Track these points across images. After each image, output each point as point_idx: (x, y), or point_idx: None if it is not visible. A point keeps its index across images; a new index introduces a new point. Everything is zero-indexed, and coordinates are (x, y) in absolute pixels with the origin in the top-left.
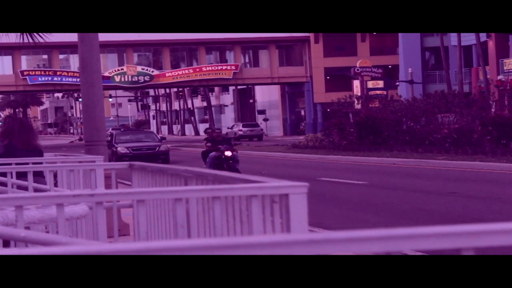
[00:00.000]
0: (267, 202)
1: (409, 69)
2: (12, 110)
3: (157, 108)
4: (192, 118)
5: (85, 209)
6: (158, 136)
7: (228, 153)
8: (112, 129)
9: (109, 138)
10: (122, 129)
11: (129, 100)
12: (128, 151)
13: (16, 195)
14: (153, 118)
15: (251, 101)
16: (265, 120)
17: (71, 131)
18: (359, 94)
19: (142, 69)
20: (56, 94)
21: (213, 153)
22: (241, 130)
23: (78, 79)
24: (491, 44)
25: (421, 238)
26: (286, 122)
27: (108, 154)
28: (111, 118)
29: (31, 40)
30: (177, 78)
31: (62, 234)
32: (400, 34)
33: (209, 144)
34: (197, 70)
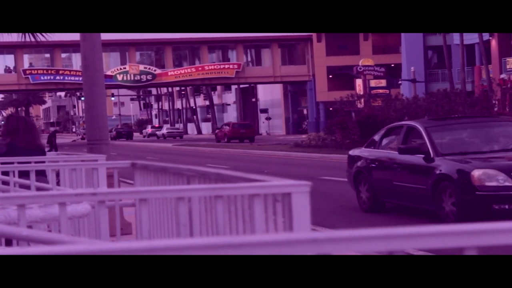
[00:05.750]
0: (269, 201)
1: (412, 68)
2: (14, 109)
3: (159, 107)
4: (195, 117)
5: (88, 208)
6: None
7: None
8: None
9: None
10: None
11: (132, 99)
12: None
13: (19, 194)
14: (156, 117)
15: (253, 100)
16: (268, 119)
17: (74, 130)
18: (361, 93)
19: (145, 68)
20: (58, 93)
21: None
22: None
23: (80, 78)
24: (493, 43)
25: (424, 237)
26: (289, 121)
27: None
28: (114, 117)
29: (33, 39)
30: (179, 77)
31: (64, 233)
32: (402, 33)
33: None
34: (200, 69)
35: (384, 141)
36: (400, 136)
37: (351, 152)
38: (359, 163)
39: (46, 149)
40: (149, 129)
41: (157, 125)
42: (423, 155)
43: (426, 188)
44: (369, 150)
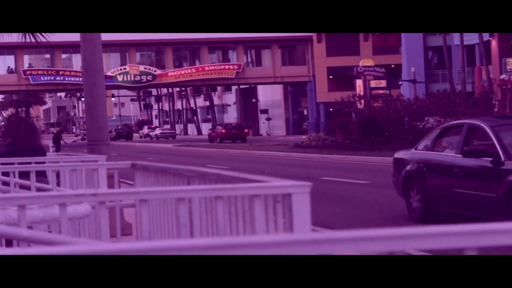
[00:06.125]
0: (270, 202)
1: (412, 68)
2: (14, 110)
3: (160, 108)
4: (195, 117)
5: (88, 208)
6: None
7: None
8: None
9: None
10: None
11: (132, 100)
12: None
13: (19, 194)
14: (156, 118)
15: (253, 100)
16: (268, 119)
17: (74, 130)
18: (361, 93)
19: (145, 68)
20: (58, 94)
21: None
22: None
23: (80, 79)
24: (494, 44)
25: (424, 237)
26: (289, 122)
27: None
28: (114, 118)
29: (33, 40)
30: (179, 77)
31: (64, 233)
32: (403, 34)
33: None
34: (200, 69)
35: (440, 142)
36: (461, 136)
37: (397, 155)
38: (408, 167)
39: (52, 149)
40: (145, 130)
41: (153, 126)
42: (491, 159)
43: (496, 196)
44: (422, 152)
